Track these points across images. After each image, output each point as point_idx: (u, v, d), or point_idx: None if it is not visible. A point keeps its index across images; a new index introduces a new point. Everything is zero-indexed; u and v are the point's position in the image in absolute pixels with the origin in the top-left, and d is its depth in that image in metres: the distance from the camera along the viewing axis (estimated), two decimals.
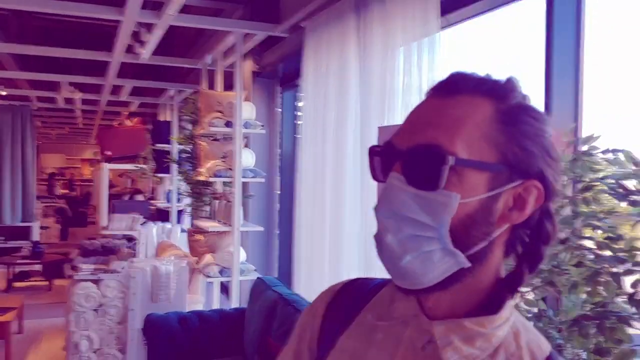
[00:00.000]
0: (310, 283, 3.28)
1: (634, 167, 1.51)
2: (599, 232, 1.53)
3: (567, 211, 1.58)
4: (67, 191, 17.14)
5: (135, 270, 3.67)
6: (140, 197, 9.72)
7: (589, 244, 1.55)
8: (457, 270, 0.63)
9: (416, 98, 2.30)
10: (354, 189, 2.82)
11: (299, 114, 4.54)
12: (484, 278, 0.66)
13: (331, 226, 3.03)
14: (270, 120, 4.77)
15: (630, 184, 1.51)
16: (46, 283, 7.70)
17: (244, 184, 4.15)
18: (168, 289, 3.71)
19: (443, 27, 2.22)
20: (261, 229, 4.26)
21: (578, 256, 1.55)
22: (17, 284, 7.62)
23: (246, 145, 4.42)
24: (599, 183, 1.57)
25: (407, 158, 0.62)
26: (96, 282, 3.83)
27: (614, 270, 1.48)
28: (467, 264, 0.62)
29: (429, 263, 0.62)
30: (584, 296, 1.55)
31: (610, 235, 1.51)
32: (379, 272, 2.28)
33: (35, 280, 7.84)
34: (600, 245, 1.52)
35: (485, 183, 0.62)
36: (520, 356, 0.65)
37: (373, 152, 0.68)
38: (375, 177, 0.68)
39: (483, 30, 2.48)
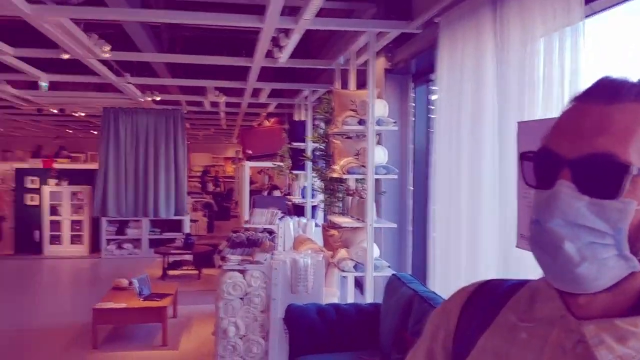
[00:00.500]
0: (446, 281, 3.25)
1: None
2: None
3: None
4: (213, 187, 18.51)
5: (276, 262, 3.88)
6: (277, 193, 10.21)
7: None
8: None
9: (558, 90, 2.19)
10: (492, 186, 2.74)
11: (432, 108, 4.49)
12: None
13: (468, 223, 2.98)
14: (403, 116, 4.76)
15: None
16: (196, 272, 8.35)
17: (377, 181, 4.21)
18: (306, 281, 3.88)
19: (587, 16, 2.09)
20: (394, 225, 4.29)
21: None
22: (171, 272, 8.35)
23: (379, 142, 4.47)
24: None
25: (579, 167, 0.64)
26: (242, 272, 4.11)
27: None
28: (639, 268, 0.64)
29: (605, 269, 0.63)
30: None
31: None
32: (517, 270, 2.20)
33: (187, 269, 8.53)
34: None
35: None
36: None
37: (526, 157, 0.70)
38: (528, 183, 0.70)
39: (633, 17, 2.29)
